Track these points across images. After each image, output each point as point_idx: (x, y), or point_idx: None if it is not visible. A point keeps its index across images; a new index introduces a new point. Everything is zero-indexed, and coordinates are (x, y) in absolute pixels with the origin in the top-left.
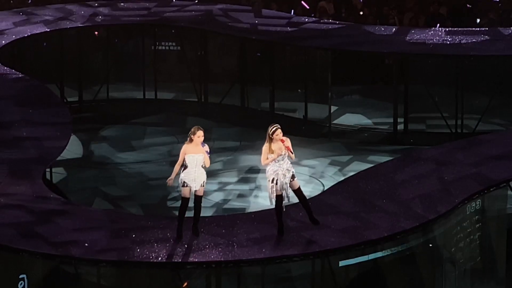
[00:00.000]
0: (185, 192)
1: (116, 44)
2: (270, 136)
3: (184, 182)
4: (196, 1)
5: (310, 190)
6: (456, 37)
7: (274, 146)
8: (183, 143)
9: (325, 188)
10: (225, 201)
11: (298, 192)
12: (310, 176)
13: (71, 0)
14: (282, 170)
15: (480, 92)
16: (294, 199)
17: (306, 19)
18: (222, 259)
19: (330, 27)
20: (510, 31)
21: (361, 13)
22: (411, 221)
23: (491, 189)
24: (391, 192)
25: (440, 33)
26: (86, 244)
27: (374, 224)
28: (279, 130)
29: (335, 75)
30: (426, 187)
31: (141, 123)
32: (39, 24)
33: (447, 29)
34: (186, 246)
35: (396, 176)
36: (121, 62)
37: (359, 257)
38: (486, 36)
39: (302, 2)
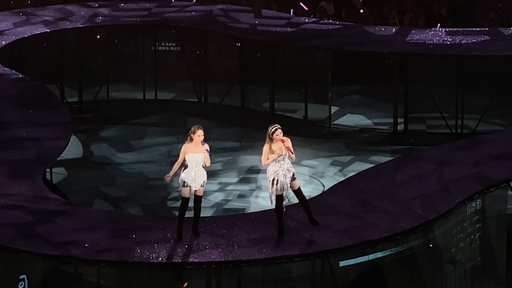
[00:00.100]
0: (185, 192)
1: (116, 45)
2: (270, 136)
3: (184, 182)
4: (194, 1)
5: (311, 191)
6: (456, 37)
7: (275, 146)
8: (183, 143)
9: (325, 189)
10: (225, 201)
11: (298, 192)
12: (310, 176)
13: (72, 0)
14: (282, 170)
15: (480, 92)
16: (294, 200)
17: (306, 20)
18: (222, 260)
19: (330, 27)
20: (510, 31)
21: (361, 11)
22: (411, 221)
23: (491, 189)
24: (391, 192)
25: (440, 33)
26: (86, 245)
27: (375, 224)
28: (279, 130)
29: (335, 75)
30: (426, 187)
31: (141, 123)
32: (39, 24)
33: (447, 29)
34: (186, 246)
35: (396, 176)
36: (121, 62)
37: (360, 258)
38: (486, 36)
39: (301, 3)
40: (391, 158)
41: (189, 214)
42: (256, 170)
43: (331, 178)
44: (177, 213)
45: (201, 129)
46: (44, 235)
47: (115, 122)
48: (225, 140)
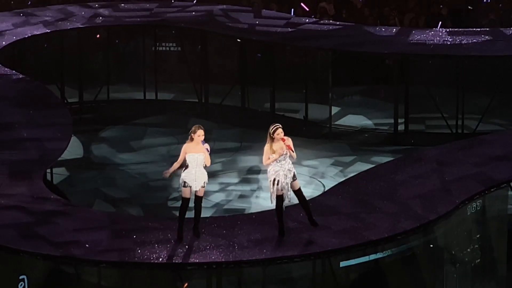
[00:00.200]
0: (185, 192)
1: (116, 45)
2: (271, 135)
3: (184, 182)
4: (195, 1)
5: (311, 191)
6: (457, 38)
7: (276, 145)
8: (183, 143)
9: (326, 189)
10: (226, 201)
11: (298, 193)
12: (311, 176)
13: (72, 1)
14: (283, 170)
15: (481, 92)
16: (295, 200)
17: (306, 20)
18: (223, 260)
19: (330, 27)
20: (510, 32)
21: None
22: (411, 222)
23: (492, 190)
24: (391, 192)
25: (440, 34)
26: (87, 245)
27: (375, 224)
28: (280, 129)
29: (335, 75)
30: (427, 188)
31: (141, 124)
32: (40, 25)
33: (447, 30)
34: (186, 247)
35: (397, 176)
36: (121, 62)
37: (360, 258)
38: (487, 36)
39: (302, 4)
40: (392, 159)
41: (190, 214)
42: (256, 171)
43: (332, 178)
44: (177, 214)
45: (202, 129)
46: (45, 235)
47: (116, 122)
48: (226, 140)
